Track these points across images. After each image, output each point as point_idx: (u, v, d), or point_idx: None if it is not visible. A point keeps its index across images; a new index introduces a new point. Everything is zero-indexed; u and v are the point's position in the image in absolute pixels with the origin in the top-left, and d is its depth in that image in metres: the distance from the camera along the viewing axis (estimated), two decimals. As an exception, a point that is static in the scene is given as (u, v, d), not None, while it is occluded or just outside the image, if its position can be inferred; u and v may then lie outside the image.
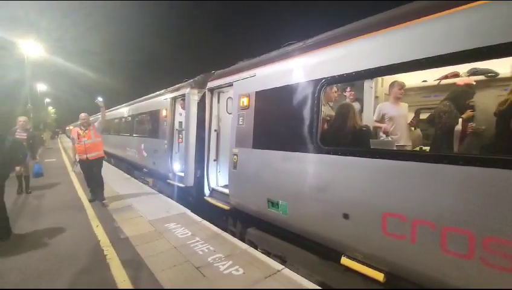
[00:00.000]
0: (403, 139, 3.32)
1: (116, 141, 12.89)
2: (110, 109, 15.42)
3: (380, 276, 2.57)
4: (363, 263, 2.73)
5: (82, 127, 5.75)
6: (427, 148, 3.13)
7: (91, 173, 5.90)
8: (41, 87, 33.04)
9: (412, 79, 3.61)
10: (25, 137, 6.66)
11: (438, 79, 3.23)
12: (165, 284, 2.86)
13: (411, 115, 3.67)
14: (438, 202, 2.12)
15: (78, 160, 5.85)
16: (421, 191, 2.21)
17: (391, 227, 2.39)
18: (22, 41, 16.10)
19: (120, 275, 3.07)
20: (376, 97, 3.77)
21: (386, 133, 3.38)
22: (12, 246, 3.83)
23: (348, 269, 2.90)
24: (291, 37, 4.00)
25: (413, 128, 3.47)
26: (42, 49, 17.59)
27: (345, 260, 2.87)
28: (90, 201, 6.03)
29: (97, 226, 4.63)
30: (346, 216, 2.74)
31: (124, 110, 12.45)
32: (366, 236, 2.62)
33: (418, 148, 3.29)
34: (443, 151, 2.44)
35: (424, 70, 2.38)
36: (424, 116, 3.60)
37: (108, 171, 10.73)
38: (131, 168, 10.98)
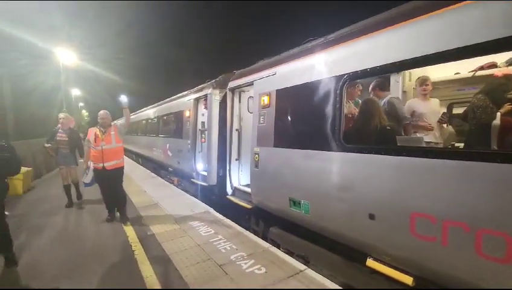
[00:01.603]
0: (434, 136, 3.13)
1: (143, 142, 13.45)
2: (137, 111, 16.15)
3: (409, 280, 2.44)
4: (390, 266, 2.61)
5: (101, 128, 4.74)
6: (461, 145, 2.93)
7: (108, 186, 4.82)
8: (75, 92, 35.29)
9: (444, 71, 3.40)
10: (66, 139, 5.64)
11: (472, 70, 3.01)
12: (189, 281, 2.93)
13: (444, 111, 3.45)
14: (472, 202, 1.97)
15: (90, 168, 4.82)
16: (453, 191, 2.07)
17: (420, 228, 2.26)
18: (58, 49, 17.25)
19: (147, 270, 3.19)
20: (404, 92, 3.60)
21: (415, 131, 3.21)
22: (52, 242, 4.12)
23: (374, 272, 2.79)
24: (312, 34, 3.93)
25: (444, 125, 3.25)
26: (75, 57, 18.77)
27: (370, 262, 2.77)
28: (107, 221, 4.88)
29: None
30: (371, 216, 2.63)
31: (150, 112, 12.97)
32: (393, 237, 2.50)
33: (449, 146, 3.09)
34: (478, 148, 2.26)
35: (457, 62, 2.23)
36: (458, 110, 3.38)
37: (137, 171, 11.23)
38: (157, 167, 11.39)
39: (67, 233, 4.47)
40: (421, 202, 2.27)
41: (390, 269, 2.59)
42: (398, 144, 2.63)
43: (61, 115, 5.82)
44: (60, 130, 5.67)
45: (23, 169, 6.91)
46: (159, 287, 2.85)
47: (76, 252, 3.72)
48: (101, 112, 4.82)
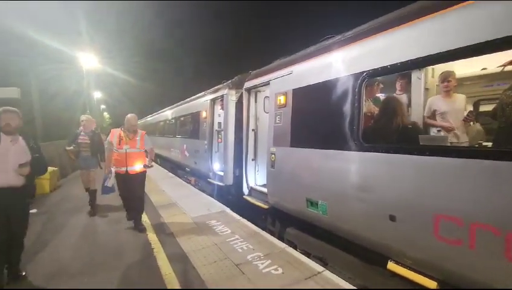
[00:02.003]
0: (458, 135, 2.98)
1: (161, 142, 13.76)
2: (155, 113, 16.59)
3: (432, 284, 2.34)
4: (412, 269, 2.51)
5: (127, 132, 4.44)
6: (489, 144, 2.77)
7: (129, 191, 4.52)
8: (97, 94, 36.70)
9: (469, 67, 3.24)
10: (88, 142, 5.34)
11: (501, 65, 2.85)
12: (207, 279, 2.96)
13: (470, 108, 3.29)
14: (502, 204, 1.86)
15: (112, 173, 4.46)
16: (481, 192, 1.96)
17: (444, 230, 2.16)
18: (81, 54, 18.01)
19: (166, 267, 3.26)
20: (426, 89, 3.46)
21: (439, 130, 3.07)
22: (75, 239, 4.30)
23: (395, 275, 2.70)
24: (325, 33, 3.90)
25: (471, 123, 3.09)
26: (97, 61, 19.54)
27: (392, 265, 2.68)
28: (128, 219, 4.76)
29: (145, 221, 4.96)
30: (392, 218, 2.55)
31: (167, 113, 13.27)
32: (415, 240, 2.41)
33: (477, 145, 2.93)
34: (508, 147, 2.14)
35: (483, 56, 2.11)
36: (485, 108, 3.20)
37: (156, 171, 11.49)
38: (175, 167, 11.62)
39: (89, 231, 4.65)
40: (445, 203, 2.17)
41: (412, 272, 2.50)
42: (421, 143, 2.53)
43: (83, 117, 5.57)
44: (82, 133, 5.40)
45: (50, 169, 7.25)
46: (178, 286, 2.90)
47: (97, 249, 3.86)
48: (130, 116, 4.48)
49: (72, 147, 5.31)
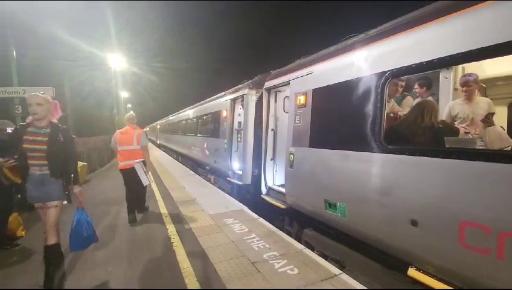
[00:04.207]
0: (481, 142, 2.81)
1: (182, 141, 14.15)
2: (176, 113, 17.09)
3: None
4: (435, 277, 2.41)
5: None
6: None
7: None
8: (123, 94, 38.39)
9: (504, 67, 3.06)
10: (43, 146, 2.61)
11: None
12: (223, 275, 3.01)
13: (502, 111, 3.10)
14: None
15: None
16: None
17: (470, 239, 2.05)
18: (111, 55, 18.93)
19: (184, 262, 3.35)
20: (455, 89, 3.30)
21: (467, 132, 2.92)
22: (104, 229, 4.54)
23: (416, 282, 2.60)
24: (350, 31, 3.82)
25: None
26: (124, 62, 20.46)
27: (412, 272, 2.58)
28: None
29: (166, 216, 5.14)
30: (414, 223, 2.46)
31: (189, 112, 13.61)
32: (438, 247, 2.31)
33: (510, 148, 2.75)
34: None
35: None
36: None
37: (177, 168, 11.82)
38: (195, 165, 11.88)
39: (117, 222, 4.89)
40: (472, 210, 2.06)
41: (435, 280, 2.39)
42: (447, 146, 2.42)
43: (33, 98, 2.62)
44: (29, 130, 2.64)
45: (80, 164, 7.73)
46: (196, 281, 2.97)
47: (124, 239, 4.07)
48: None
49: (5, 160, 2.92)
